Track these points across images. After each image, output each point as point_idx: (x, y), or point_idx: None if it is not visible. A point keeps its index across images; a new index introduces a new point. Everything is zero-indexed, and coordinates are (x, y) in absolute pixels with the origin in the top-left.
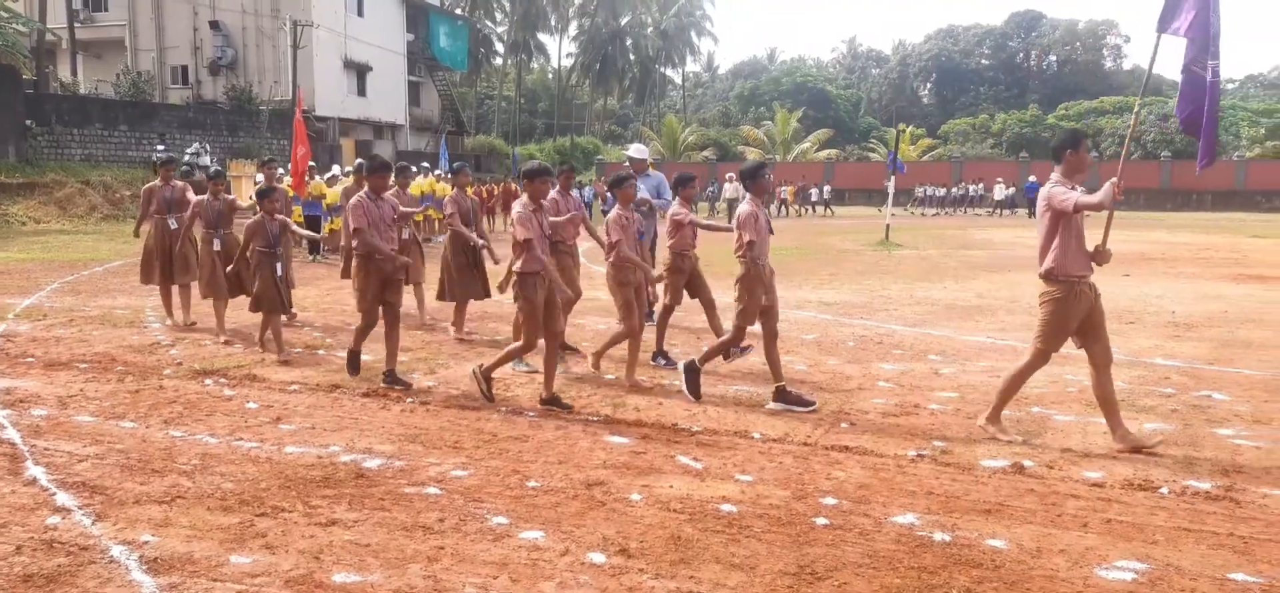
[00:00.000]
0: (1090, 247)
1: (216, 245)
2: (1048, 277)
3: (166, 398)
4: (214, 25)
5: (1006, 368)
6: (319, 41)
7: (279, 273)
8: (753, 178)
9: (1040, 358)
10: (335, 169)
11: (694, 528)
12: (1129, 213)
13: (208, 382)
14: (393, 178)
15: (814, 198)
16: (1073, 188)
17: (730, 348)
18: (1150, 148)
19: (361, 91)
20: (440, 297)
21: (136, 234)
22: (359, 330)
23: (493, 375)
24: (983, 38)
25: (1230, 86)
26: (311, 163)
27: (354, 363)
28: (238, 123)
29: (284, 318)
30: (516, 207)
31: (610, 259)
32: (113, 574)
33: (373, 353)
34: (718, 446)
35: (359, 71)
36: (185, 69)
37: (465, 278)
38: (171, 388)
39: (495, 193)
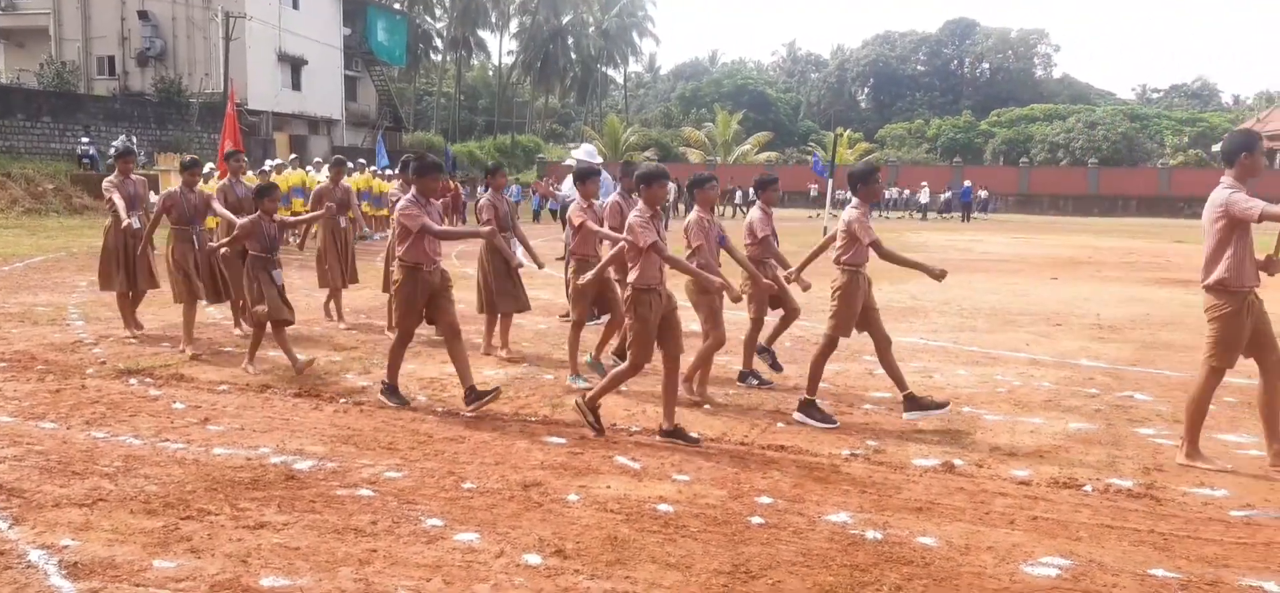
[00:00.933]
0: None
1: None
2: (1218, 288)
3: (89, 398)
4: (142, 15)
5: (939, 368)
6: (252, 34)
7: (279, 280)
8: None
9: (1215, 376)
10: (268, 162)
11: (630, 528)
12: (1056, 218)
13: (133, 381)
14: (328, 170)
15: (738, 200)
16: (1244, 193)
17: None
18: (1078, 155)
19: (296, 85)
20: (481, 310)
21: (150, 244)
22: (394, 351)
23: (599, 405)
24: (918, 44)
25: (1155, 97)
26: (244, 158)
27: (394, 392)
28: (166, 115)
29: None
30: (634, 215)
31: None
32: (31, 580)
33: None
34: (655, 446)
35: (294, 65)
36: (112, 60)
37: (505, 288)
38: (94, 388)
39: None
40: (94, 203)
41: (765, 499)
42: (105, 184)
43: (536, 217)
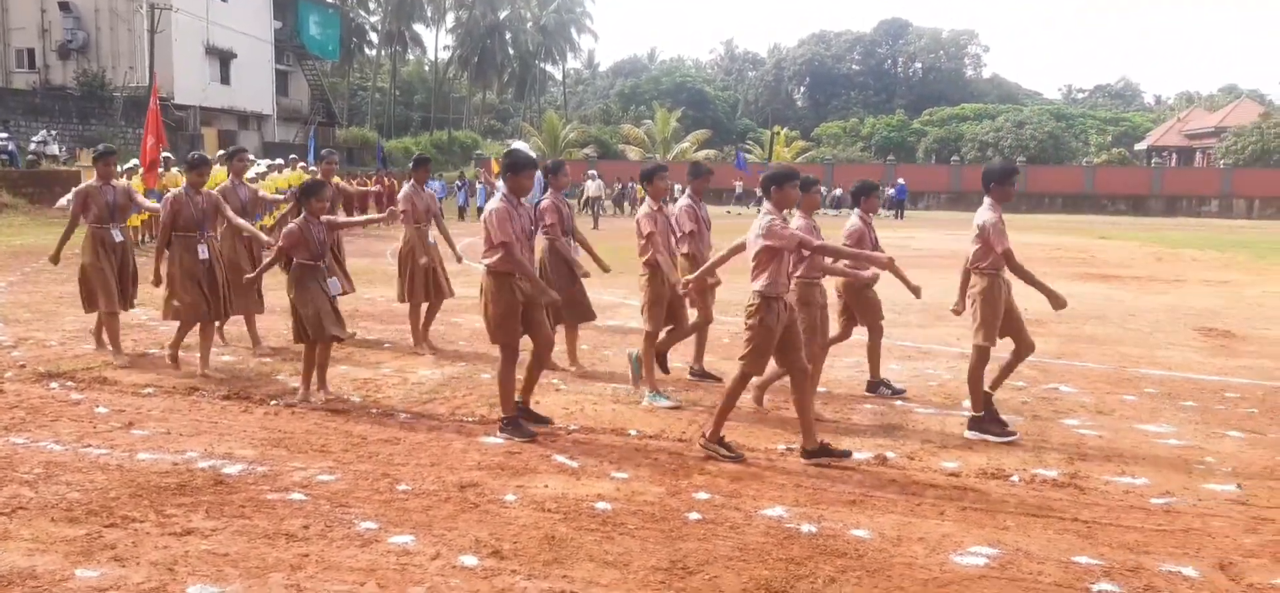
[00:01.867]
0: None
1: (202, 254)
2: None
3: (7, 403)
4: (63, 6)
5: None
6: (178, 26)
7: (335, 290)
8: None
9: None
10: (262, 163)
11: (568, 527)
12: None
13: (53, 385)
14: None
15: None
16: None
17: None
18: (1007, 153)
19: (225, 79)
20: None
21: (55, 259)
22: (505, 377)
23: (723, 434)
24: (853, 44)
25: (1080, 97)
26: (167, 154)
27: (518, 425)
28: (89, 110)
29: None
30: (765, 217)
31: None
32: None
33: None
34: (594, 444)
35: (222, 58)
36: (31, 52)
37: (572, 296)
38: (13, 392)
39: (365, 186)
40: (13, 200)
41: (703, 495)
42: (72, 196)
43: (462, 214)
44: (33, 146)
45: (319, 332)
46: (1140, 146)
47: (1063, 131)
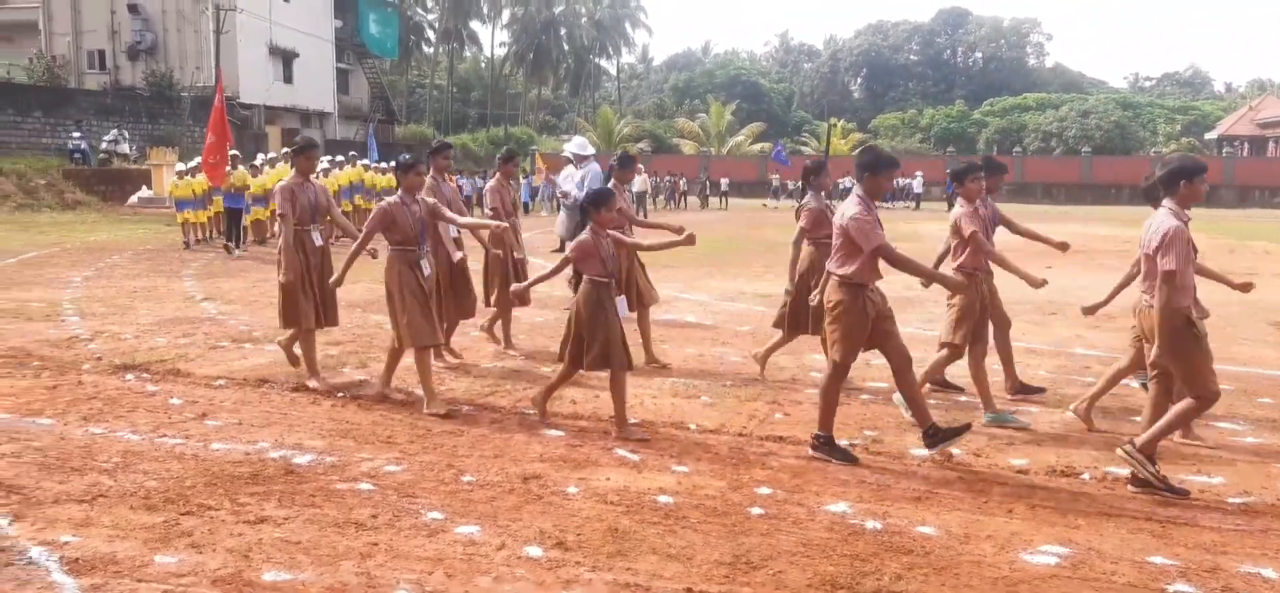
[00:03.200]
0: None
1: (427, 268)
2: None
3: (86, 394)
4: (133, 9)
5: (930, 359)
6: (243, 27)
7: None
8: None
9: None
10: (260, 156)
11: (631, 520)
12: (1049, 207)
13: (129, 377)
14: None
15: (722, 188)
16: None
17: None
18: (1071, 144)
19: (288, 79)
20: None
21: (339, 283)
22: (829, 392)
23: (1155, 453)
24: (911, 34)
25: (1147, 85)
26: (234, 152)
27: (833, 445)
28: (158, 110)
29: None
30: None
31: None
32: (32, 576)
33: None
34: (654, 438)
35: (285, 58)
36: (102, 54)
37: (800, 306)
38: (91, 383)
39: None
40: (86, 198)
41: (765, 490)
42: (278, 195)
43: (526, 209)
44: (104, 145)
45: (606, 362)
46: (1210, 136)
47: (1129, 121)
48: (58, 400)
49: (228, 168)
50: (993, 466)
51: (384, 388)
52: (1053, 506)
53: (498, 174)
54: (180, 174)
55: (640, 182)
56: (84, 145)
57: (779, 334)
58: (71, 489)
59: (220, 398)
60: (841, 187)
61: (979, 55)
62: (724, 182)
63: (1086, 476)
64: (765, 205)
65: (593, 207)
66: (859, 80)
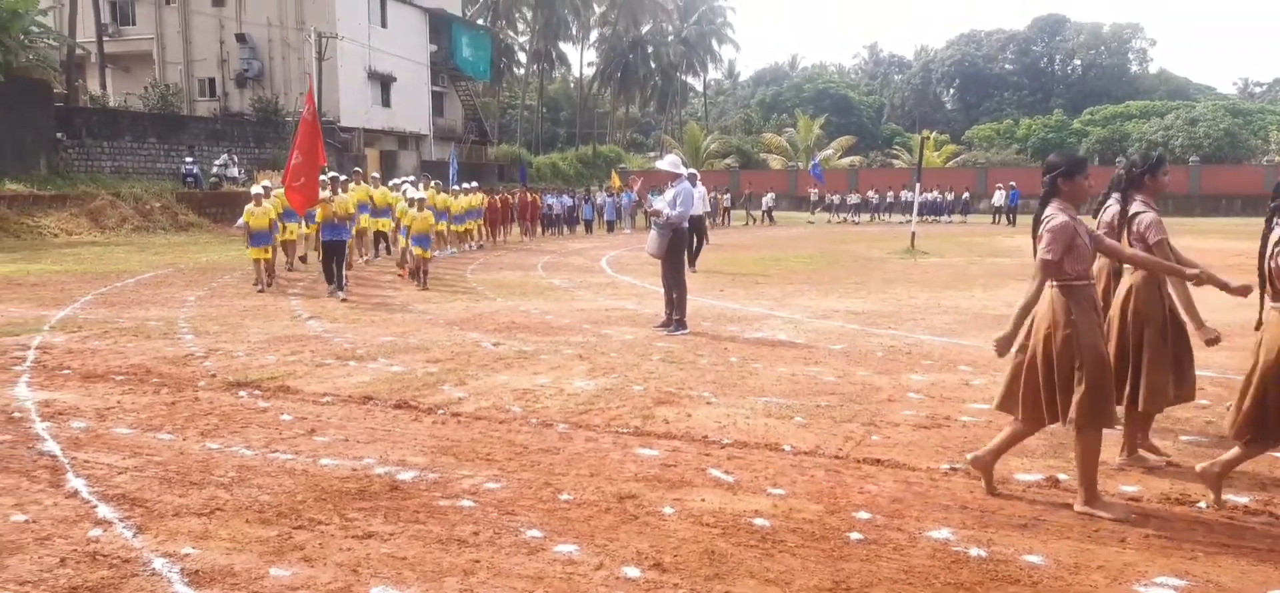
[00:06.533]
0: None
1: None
2: None
3: (202, 410)
4: (240, 38)
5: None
6: (343, 53)
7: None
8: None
9: None
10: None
11: (727, 542)
12: None
13: (242, 394)
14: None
15: (765, 205)
16: None
17: None
18: (1178, 153)
19: (386, 102)
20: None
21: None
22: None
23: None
24: (1006, 42)
25: (1258, 91)
26: (333, 173)
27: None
28: (264, 134)
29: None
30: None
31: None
32: (156, 587)
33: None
34: (748, 459)
35: (383, 82)
36: (212, 81)
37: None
38: (206, 400)
39: (509, 203)
40: (198, 220)
41: (863, 514)
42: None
43: (610, 227)
44: (215, 170)
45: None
46: None
47: (1239, 129)
48: (176, 416)
49: (325, 193)
50: (1103, 492)
51: (989, 479)
52: (1167, 535)
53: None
54: (257, 198)
55: (700, 197)
56: (196, 170)
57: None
58: (191, 503)
59: (327, 414)
60: (924, 200)
61: (1078, 63)
62: (769, 197)
63: (1203, 504)
64: (811, 222)
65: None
66: (951, 91)
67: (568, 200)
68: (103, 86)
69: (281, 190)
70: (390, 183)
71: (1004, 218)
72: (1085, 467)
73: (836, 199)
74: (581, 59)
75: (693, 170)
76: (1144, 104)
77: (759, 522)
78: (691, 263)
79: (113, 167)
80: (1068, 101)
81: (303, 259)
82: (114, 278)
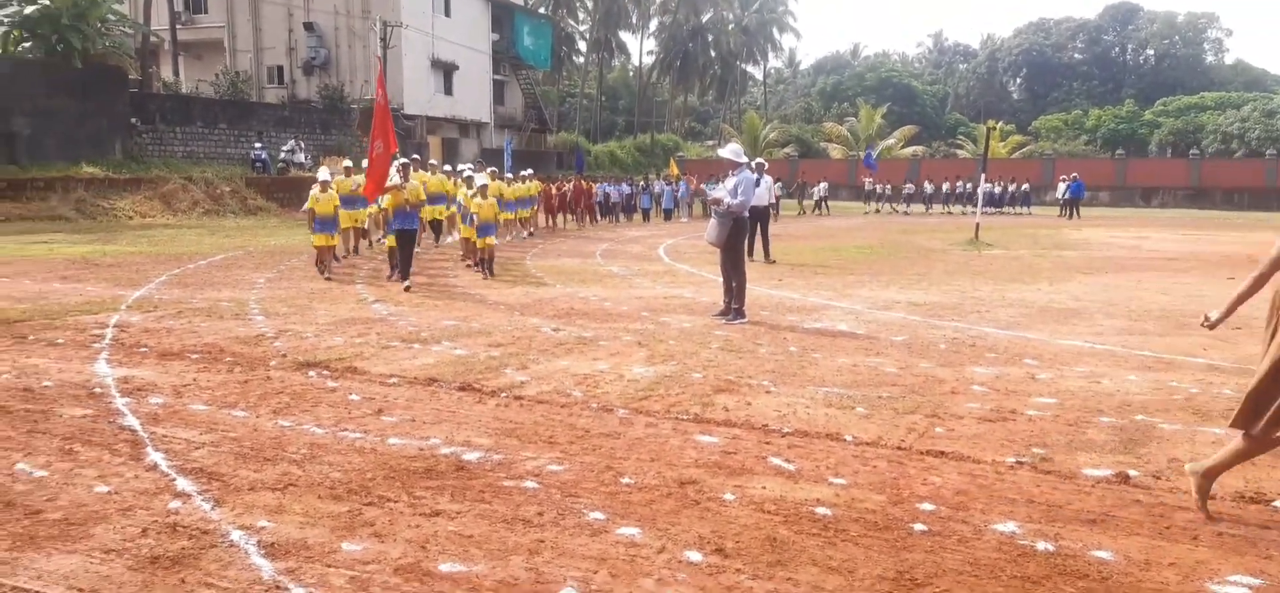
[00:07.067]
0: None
1: None
2: None
3: (274, 388)
4: (308, 26)
5: (1107, 374)
6: (407, 41)
7: None
8: None
9: None
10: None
11: (789, 530)
12: (1230, 213)
13: (311, 374)
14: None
15: (816, 195)
16: None
17: None
18: (1254, 146)
19: (448, 90)
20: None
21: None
22: None
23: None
24: (1076, 31)
25: None
26: (404, 159)
27: None
28: (330, 121)
29: None
30: None
31: None
32: (233, 558)
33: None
34: (809, 448)
35: (445, 71)
36: (281, 69)
37: None
38: (278, 379)
39: (562, 189)
40: (266, 204)
41: (927, 506)
42: None
43: (668, 216)
44: (282, 155)
45: None
46: None
47: None
48: (249, 394)
49: (398, 179)
50: (1175, 489)
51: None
52: (1241, 534)
53: None
54: (324, 185)
55: (765, 187)
56: (264, 155)
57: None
58: (265, 478)
59: (393, 395)
60: (990, 192)
61: (1150, 52)
62: (821, 186)
63: (1278, 503)
64: (866, 213)
65: None
66: (1018, 81)
67: (625, 189)
68: (175, 73)
69: (360, 178)
70: (442, 168)
71: (1069, 211)
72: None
73: (887, 189)
74: (641, 47)
75: (760, 160)
76: (1219, 95)
77: (821, 511)
78: (765, 254)
79: (185, 151)
80: (1139, 92)
81: (355, 250)
82: (186, 260)
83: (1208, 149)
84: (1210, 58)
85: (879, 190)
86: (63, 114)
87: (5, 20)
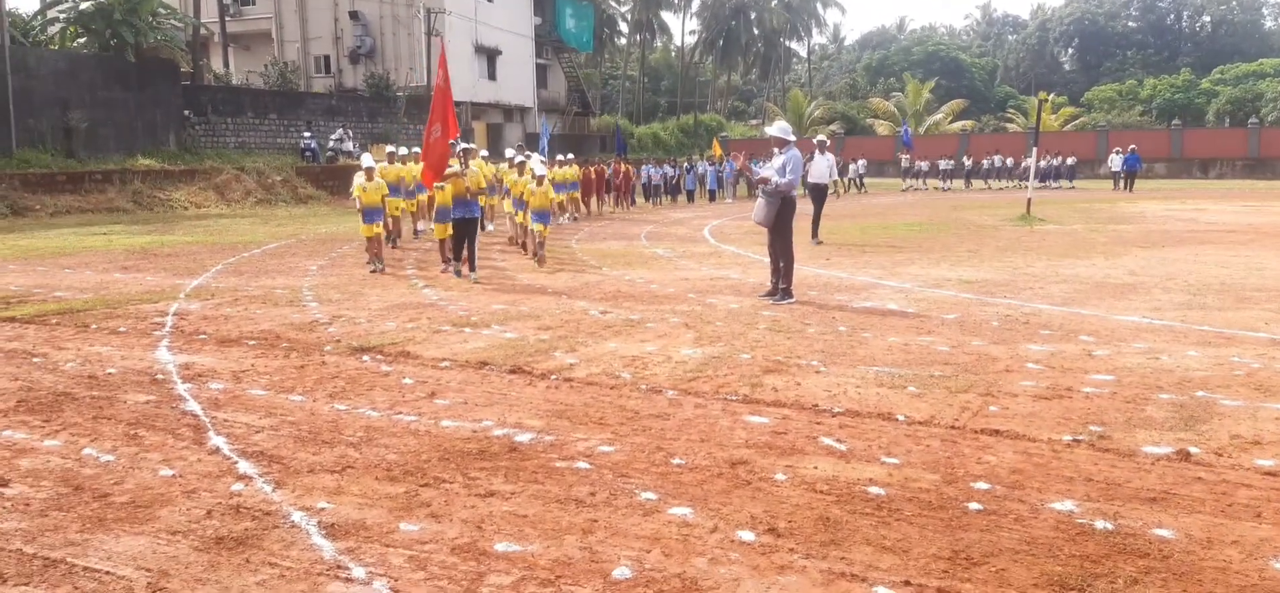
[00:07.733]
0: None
1: None
2: None
3: (329, 373)
4: (353, 16)
5: (1166, 349)
6: (451, 27)
7: None
8: None
9: None
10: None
11: (842, 509)
12: None
13: (365, 358)
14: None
15: (852, 173)
16: None
17: None
18: None
19: (492, 75)
20: None
21: None
22: None
23: None
24: None
25: None
26: (467, 145)
27: None
28: (377, 109)
29: None
30: None
31: None
32: (295, 538)
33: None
34: (860, 427)
35: (489, 56)
36: (327, 58)
37: None
38: (333, 364)
39: (603, 173)
40: (315, 193)
41: (982, 485)
42: None
43: (712, 197)
44: (331, 144)
45: None
46: None
47: None
48: (306, 379)
49: (457, 165)
50: (1237, 466)
51: None
52: None
53: None
54: (368, 172)
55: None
56: (313, 144)
57: None
58: (323, 460)
59: (446, 378)
60: (1045, 165)
61: (1207, 19)
62: (858, 164)
63: None
64: (903, 190)
65: None
66: (1070, 51)
67: (668, 170)
68: (226, 65)
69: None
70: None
71: (1123, 183)
72: None
73: (925, 165)
74: (683, 27)
75: (822, 137)
76: (1279, 62)
77: (874, 490)
78: (814, 233)
79: (236, 142)
80: (1196, 60)
81: (393, 241)
82: (241, 248)
83: (1267, 118)
84: (1269, 23)
85: (916, 167)
86: (118, 107)
87: (61, 16)
